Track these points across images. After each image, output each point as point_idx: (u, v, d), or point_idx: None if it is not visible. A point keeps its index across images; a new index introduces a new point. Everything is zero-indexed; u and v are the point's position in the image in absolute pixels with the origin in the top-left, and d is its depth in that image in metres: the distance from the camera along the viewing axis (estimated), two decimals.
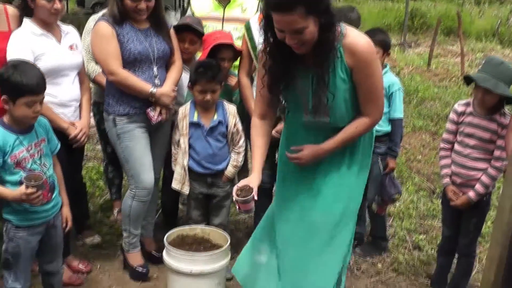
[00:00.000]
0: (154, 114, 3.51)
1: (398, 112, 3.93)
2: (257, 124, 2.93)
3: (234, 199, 2.67)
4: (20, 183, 2.83)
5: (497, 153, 3.31)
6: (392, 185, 4.03)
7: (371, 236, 4.36)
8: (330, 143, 2.77)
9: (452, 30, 16.74)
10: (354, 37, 2.62)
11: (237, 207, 2.68)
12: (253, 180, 2.74)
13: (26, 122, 2.90)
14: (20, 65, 2.86)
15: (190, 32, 3.90)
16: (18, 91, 2.77)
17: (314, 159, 2.79)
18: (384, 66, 3.93)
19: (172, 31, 3.72)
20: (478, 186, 3.34)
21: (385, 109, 3.68)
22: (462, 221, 3.54)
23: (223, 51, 3.83)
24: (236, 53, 3.89)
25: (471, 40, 16.03)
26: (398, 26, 17.59)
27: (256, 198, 2.65)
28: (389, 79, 3.90)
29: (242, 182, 2.71)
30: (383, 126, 3.88)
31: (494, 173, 3.32)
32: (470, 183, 3.39)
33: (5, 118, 2.88)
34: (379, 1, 23.02)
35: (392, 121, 3.94)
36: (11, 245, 2.94)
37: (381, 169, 3.99)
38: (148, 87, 3.46)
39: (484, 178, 3.33)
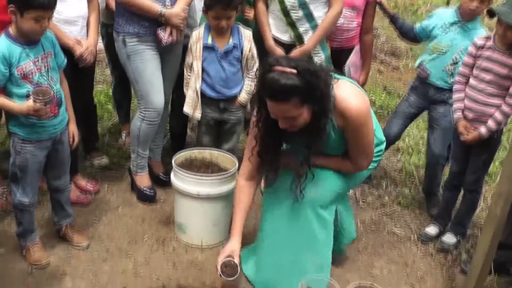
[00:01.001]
0: (164, 35, 3.43)
1: None
2: (242, 185, 3.00)
3: (219, 274, 2.74)
4: (26, 96, 2.81)
5: None
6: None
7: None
8: (321, 161, 2.84)
9: None
10: (345, 100, 2.62)
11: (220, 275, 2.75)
12: (235, 249, 2.83)
13: (33, 37, 2.84)
14: None
15: None
16: (27, 3, 2.70)
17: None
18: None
19: None
20: (490, 122, 3.29)
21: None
22: (471, 157, 3.51)
23: None
24: None
25: None
26: None
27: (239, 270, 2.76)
28: (482, 31, 3.68)
29: (225, 253, 2.79)
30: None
31: (508, 110, 3.26)
32: (482, 118, 3.34)
33: (11, 30, 2.82)
34: None
35: None
36: (19, 159, 2.95)
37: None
38: (157, 7, 3.37)
39: (497, 115, 3.27)
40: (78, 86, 3.44)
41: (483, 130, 3.32)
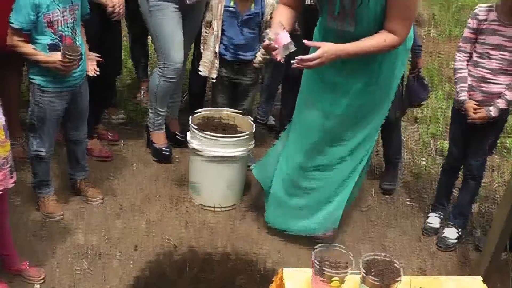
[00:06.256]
0: None
1: None
2: (281, 9, 2.82)
3: (264, 43, 2.57)
4: (49, 46, 2.81)
5: None
6: (421, 86, 3.72)
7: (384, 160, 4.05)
8: (353, 46, 2.61)
9: None
10: None
11: (274, 51, 2.56)
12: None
13: None
14: None
15: None
16: None
17: (334, 58, 2.62)
18: None
19: None
20: (500, 101, 3.07)
21: None
22: (475, 140, 3.28)
23: None
24: None
25: None
26: None
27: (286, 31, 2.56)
28: None
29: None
30: None
31: None
32: (491, 98, 3.11)
33: None
34: None
35: None
36: (37, 109, 2.95)
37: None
38: None
39: (508, 93, 3.06)
40: (107, 40, 3.46)
41: (492, 109, 3.09)
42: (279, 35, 2.52)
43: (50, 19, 2.79)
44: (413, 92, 3.69)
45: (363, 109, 2.91)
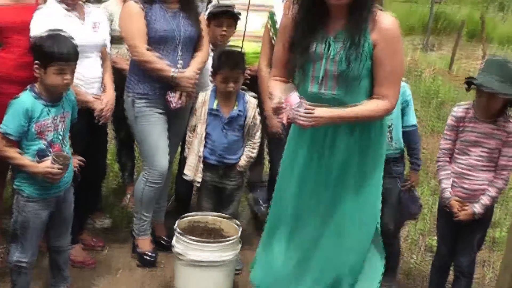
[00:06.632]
0: (173, 100, 3.45)
1: (414, 117, 3.49)
2: (275, 81, 2.83)
3: (274, 103, 2.55)
4: (38, 154, 2.86)
5: (503, 161, 3.07)
6: (413, 201, 3.59)
7: None
8: (347, 112, 2.59)
9: (475, 34, 16.55)
10: (381, 13, 2.60)
11: (282, 113, 2.54)
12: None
13: (56, 91, 2.93)
14: (55, 35, 2.93)
15: (228, 16, 3.89)
16: (49, 58, 2.84)
17: (327, 122, 2.59)
18: None
19: (202, 17, 3.69)
20: (484, 199, 3.09)
21: (398, 122, 3.39)
22: (463, 237, 3.26)
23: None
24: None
25: (494, 45, 15.84)
26: (421, 28, 17.41)
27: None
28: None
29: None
30: (398, 144, 3.41)
31: (502, 184, 3.10)
32: (475, 196, 3.12)
33: (36, 86, 2.92)
34: (404, 3, 22.91)
35: (409, 130, 3.44)
36: (21, 217, 2.93)
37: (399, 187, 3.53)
38: (169, 70, 3.41)
39: (491, 190, 3.09)
40: (93, 145, 3.49)
41: (477, 207, 3.10)
42: (290, 95, 2.50)
43: (41, 127, 2.86)
44: (403, 206, 3.55)
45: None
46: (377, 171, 2.85)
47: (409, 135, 3.45)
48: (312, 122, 2.53)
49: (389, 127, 3.24)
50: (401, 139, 3.44)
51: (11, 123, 2.81)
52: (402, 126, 3.42)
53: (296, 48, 2.67)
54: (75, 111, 3.12)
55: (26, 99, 2.86)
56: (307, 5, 2.62)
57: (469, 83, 3.08)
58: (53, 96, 2.93)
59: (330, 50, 2.59)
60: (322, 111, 2.55)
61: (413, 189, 3.60)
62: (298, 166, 2.85)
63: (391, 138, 3.33)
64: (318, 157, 2.78)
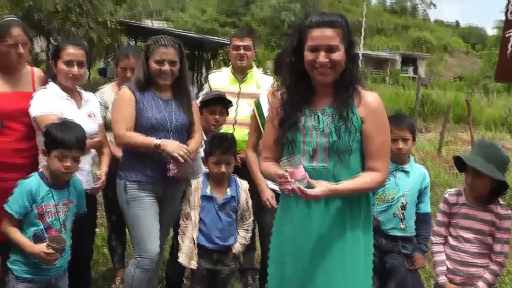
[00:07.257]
0: (174, 167, 3.43)
1: (429, 205, 3.58)
2: (268, 162, 2.88)
3: (279, 173, 2.55)
4: (34, 236, 2.90)
5: (498, 247, 3.10)
6: (417, 285, 3.59)
7: None
8: (345, 186, 2.63)
9: (462, 117, 16.94)
10: (365, 91, 2.72)
11: (284, 184, 2.54)
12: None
13: (59, 177, 3.02)
14: (64, 122, 3.09)
15: (220, 104, 4.00)
16: (51, 144, 2.97)
17: (326, 196, 2.60)
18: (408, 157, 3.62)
19: (195, 105, 3.75)
20: (481, 284, 3.10)
21: (413, 206, 3.50)
22: None
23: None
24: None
25: (481, 128, 16.16)
26: (408, 112, 17.79)
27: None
28: (420, 170, 3.59)
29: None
30: (409, 225, 3.50)
31: (498, 269, 3.11)
32: (471, 281, 3.14)
33: (44, 170, 3.05)
34: (391, 86, 23.54)
35: (423, 216, 3.54)
36: None
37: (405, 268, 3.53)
38: (152, 140, 3.40)
39: (488, 276, 3.10)
40: (81, 226, 3.45)
41: None
42: (298, 168, 2.52)
43: (42, 210, 2.93)
44: None
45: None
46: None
47: (422, 221, 3.54)
48: (311, 198, 2.57)
49: (404, 207, 3.41)
50: (413, 223, 3.53)
51: (15, 204, 2.91)
52: (417, 211, 3.53)
53: (286, 123, 2.75)
54: (83, 203, 3.20)
55: (32, 181, 2.98)
56: (295, 82, 2.73)
57: (457, 161, 3.17)
58: (58, 181, 3.03)
59: (319, 123, 2.68)
60: (321, 191, 2.55)
61: (418, 272, 3.62)
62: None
63: (403, 216, 3.44)
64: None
